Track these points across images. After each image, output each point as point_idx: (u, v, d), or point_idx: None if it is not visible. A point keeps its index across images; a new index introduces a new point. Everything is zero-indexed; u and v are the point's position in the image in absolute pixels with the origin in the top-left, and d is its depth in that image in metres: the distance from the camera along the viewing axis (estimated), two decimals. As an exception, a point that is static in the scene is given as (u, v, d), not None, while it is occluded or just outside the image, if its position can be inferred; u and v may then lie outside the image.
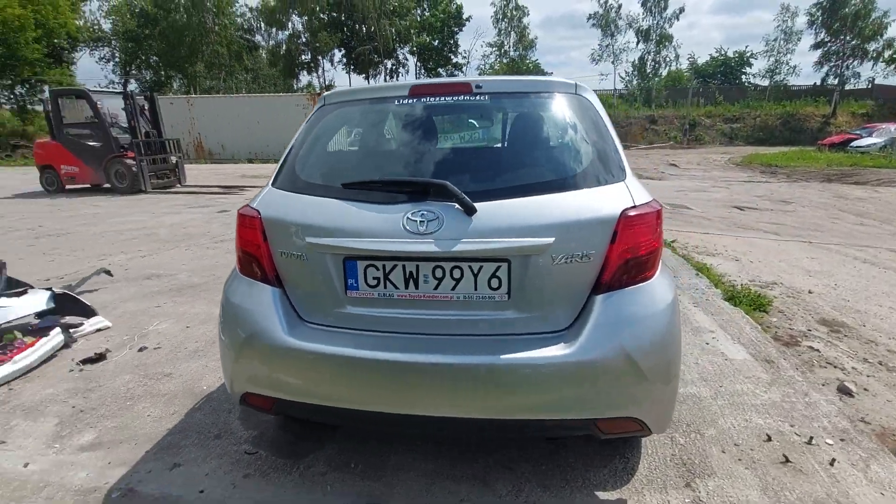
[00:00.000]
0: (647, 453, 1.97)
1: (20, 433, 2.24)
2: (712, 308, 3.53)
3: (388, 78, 34.66)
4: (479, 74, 39.53)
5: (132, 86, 37.67)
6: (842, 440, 2.03)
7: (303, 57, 33.81)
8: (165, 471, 1.96)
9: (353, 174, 1.75)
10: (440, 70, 36.21)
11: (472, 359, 1.48)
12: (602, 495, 1.75)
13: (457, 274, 1.54)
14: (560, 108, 1.82)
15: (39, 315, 3.27)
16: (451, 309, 1.57)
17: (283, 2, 31.23)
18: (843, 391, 2.62)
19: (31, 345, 2.91)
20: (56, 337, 3.00)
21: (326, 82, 37.35)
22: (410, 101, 1.83)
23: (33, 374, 2.79)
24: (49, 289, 3.32)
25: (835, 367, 2.87)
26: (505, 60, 33.37)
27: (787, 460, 1.90)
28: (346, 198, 1.65)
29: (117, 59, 38.12)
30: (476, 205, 1.52)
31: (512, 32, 32.40)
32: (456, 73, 37.39)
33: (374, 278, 1.59)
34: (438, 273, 1.55)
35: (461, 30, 35.04)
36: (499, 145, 1.90)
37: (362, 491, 1.82)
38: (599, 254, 1.51)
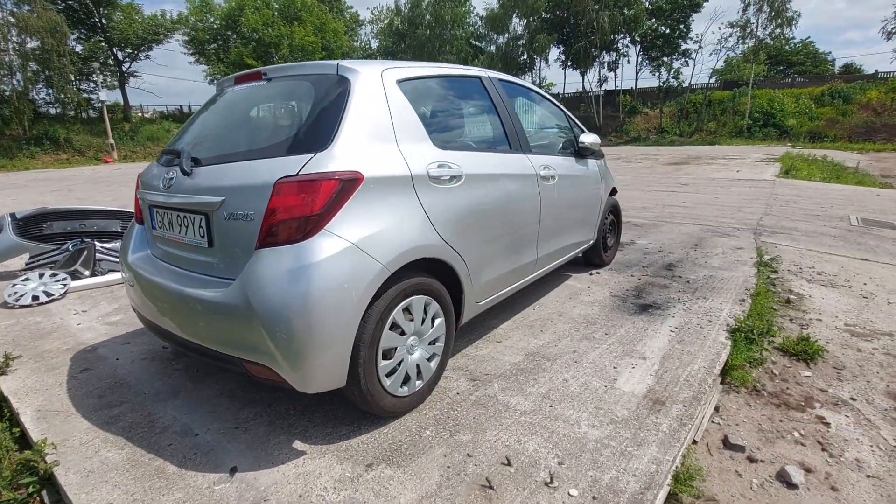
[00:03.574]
0: (381, 433, 1.95)
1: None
2: (694, 337, 2.76)
3: (604, 73, 33.08)
4: (728, 60, 33.97)
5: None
6: (594, 498, 1.59)
7: (521, 58, 35.17)
8: (121, 344, 2.94)
9: (169, 144, 2.31)
10: (664, 59, 32.46)
11: (179, 289, 1.88)
12: (296, 444, 1.89)
13: (185, 222, 1.94)
14: (304, 89, 1.97)
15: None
16: (185, 250, 1.98)
17: (505, 7, 33.08)
18: (783, 479, 1.90)
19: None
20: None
21: (539, 80, 37.96)
22: (234, 87, 2.26)
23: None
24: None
25: (827, 452, 2.05)
26: (750, 43, 27.74)
27: (490, 486, 1.63)
28: (159, 162, 2.23)
29: (380, 71, 47.16)
30: (195, 169, 1.89)
31: (765, 6, 26.62)
32: (686, 61, 32.97)
33: (159, 221, 2.13)
34: (178, 220, 1.98)
35: (698, 11, 30.50)
36: (244, 121, 2.14)
37: (187, 386, 2.40)
38: (259, 215, 1.69)
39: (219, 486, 1.69)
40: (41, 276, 4.00)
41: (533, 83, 36.71)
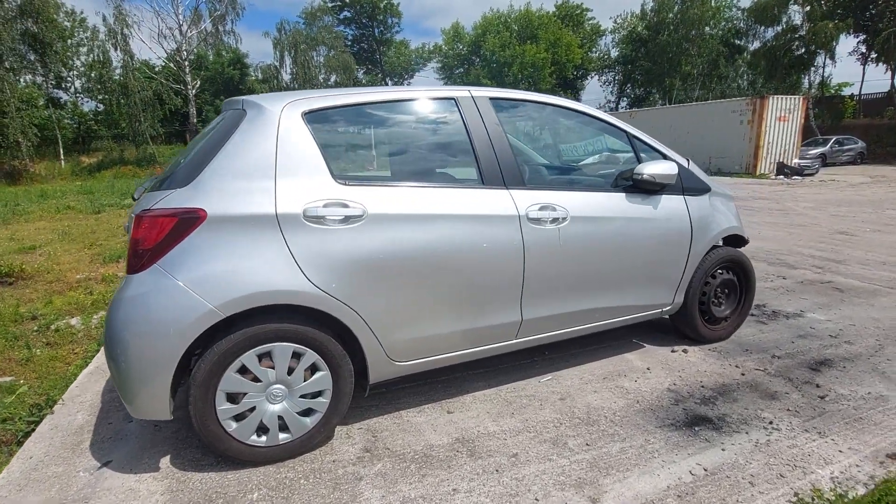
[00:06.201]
0: (225, 477, 1.88)
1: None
2: (719, 493, 1.70)
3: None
4: None
5: (623, 103, 43.45)
6: None
7: (797, 53, 27.94)
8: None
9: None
10: None
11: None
12: (164, 460, 1.99)
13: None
14: (220, 123, 2.02)
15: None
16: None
17: (781, -7, 26.77)
18: None
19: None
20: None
21: (821, 79, 29.49)
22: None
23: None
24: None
25: None
26: None
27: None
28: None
29: (617, 81, 44.65)
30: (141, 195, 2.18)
31: None
32: None
33: None
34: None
35: None
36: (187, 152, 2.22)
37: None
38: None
39: (84, 472, 1.92)
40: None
41: (810, 83, 28.92)
